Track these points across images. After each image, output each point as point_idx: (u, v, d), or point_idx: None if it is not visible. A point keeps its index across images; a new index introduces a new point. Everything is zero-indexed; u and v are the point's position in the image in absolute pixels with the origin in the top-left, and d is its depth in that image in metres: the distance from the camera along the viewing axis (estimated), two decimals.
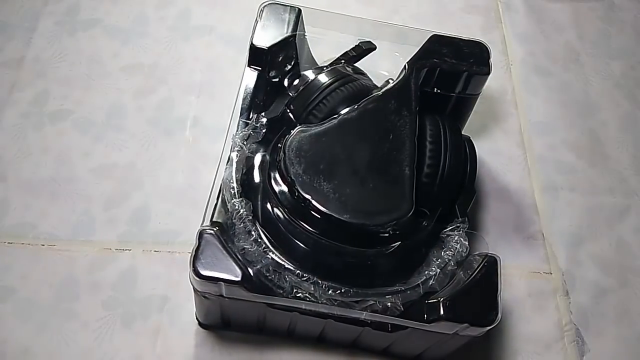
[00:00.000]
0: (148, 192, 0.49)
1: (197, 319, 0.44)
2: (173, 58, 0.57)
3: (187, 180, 0.50)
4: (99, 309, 0.44)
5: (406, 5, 0.62)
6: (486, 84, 0.45)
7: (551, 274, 0.48)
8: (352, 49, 0.44)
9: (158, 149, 0.52)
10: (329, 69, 0.43)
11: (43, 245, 0.47)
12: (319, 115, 0.41)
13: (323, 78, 0.42)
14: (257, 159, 0.41)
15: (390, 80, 0.43)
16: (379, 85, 0.43)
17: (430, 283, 0.37)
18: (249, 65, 0.44)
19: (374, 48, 0.44)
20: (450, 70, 0.42)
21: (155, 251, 0.47)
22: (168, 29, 0.59)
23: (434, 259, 0.38)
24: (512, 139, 0.55)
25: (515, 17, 0.62)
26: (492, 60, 0.43)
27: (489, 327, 0.36)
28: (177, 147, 0.52)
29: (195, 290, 0.38)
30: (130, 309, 0.44)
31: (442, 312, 0.35)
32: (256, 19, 0.45)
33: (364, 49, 0.44)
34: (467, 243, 0.39)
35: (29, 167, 0.50)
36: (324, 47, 0.47)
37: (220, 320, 0.42)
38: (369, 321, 0.38)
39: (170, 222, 0.48)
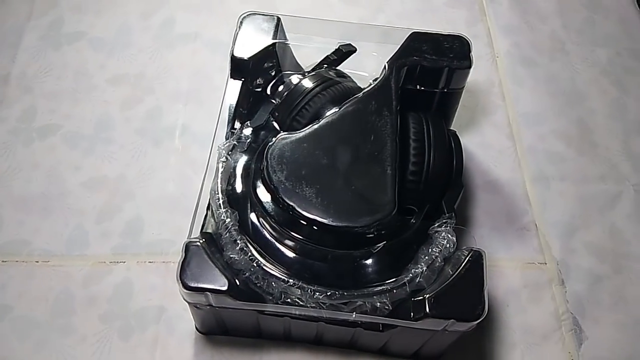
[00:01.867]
0: (140, 203, 0.49)
1: (195, 327, 0.44)
2: (159, 67, 0.57)
3: (179, 189, 0.50)
4: (96, 323, 0.44)
5: (390, 4, 0.62)
6: (472, 77, 0.45)
7: (546, 264, 0.48)
8: (333, 52, 0.45)
9: (148, 159, 0.52)
10: (310, 74, 0.43)
11: (37, 261, 0.47)
12: (302, 120, 0.41)
13: (305, 83, 0.42)
14: (243, 168, 0.41)
15: (341, 46, 0.44)
16: (362, 87, 0.43)
17: (417, 280, 0.37)
18: (231, 77, 0.44)
19: (355, 50, 0.45)
20: (431, 67, 0.42)
21: (150, 262, 0.47)
22: (152, 38, 0.59)
23: (422, 256, 0.38)
24: (501, 131, 0.55)
25: (499, 9, 0.62)
26: (473, 53, 0.43)
27: (475, 322, 0.36)
28: (167, 156, 0.52)
29: (186, 301, 0.38)
30: (128, 321, 0.44)
31: (427, 309, 0.35)
32: (236, 30, 0.45)
33: (344, 51, 0.44)
34: (454, 239, 0.39)
35: (19, 184, 0.50)
36: (309, 51, 0.47)
37: (217, 327, 0.42)
38: (360, 322, 0.38)
39: (164, 232, 0.48)
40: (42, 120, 0.54)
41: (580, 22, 0.62)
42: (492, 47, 0.60)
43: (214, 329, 0.43)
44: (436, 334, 0.38)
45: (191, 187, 0.50)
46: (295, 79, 0.43)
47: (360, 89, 0.42)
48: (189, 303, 0.38)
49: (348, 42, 0.45)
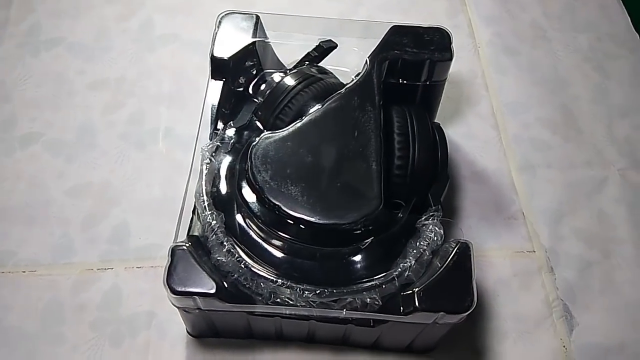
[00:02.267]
0: (125, 208, 0.49)
1: (187, 330, 0.43)
2: (139, 70, 0.56)
3: (164, 193, 0.50)
4: (86, 331, 0.44)
5: None
6: (455, 68, 0.45)
7: (534, 252, 0.48)
8: (314, 49, 0.44)
9: (132, 163, 0.51)
10: (292, 71, 0.43)
11: (24, 272, 0.46)
12: (285, 119, 0.41)
13: (287, 81, 0.42)
14: (227, 169, 0.41)
15: (321, 42, 0.44)
16: (345, 83, 0.43)
17: (406, 274, 0.37)
18: (212, 77, 0.43)
19: (335, 46, 0.44)
20: (413, 60, 0.42)
21: (138, 267, 0.46)
22: (132, 41, 0.58)
23: (410, 250, 0.38)
24: (486, 121, 0.55)
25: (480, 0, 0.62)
26: (454, 44, 0.43)
27: (465, 314, 0.36)
28: (151, 160, 0.51)
29: (175, 305, 0.38)
30: (118, 327, 0.44)
31: (417, 303, 0.35)
32: (215, 30, 0.45)
33: (325, 48, 0.44)
34: (441, 231, 0.39)
35: (2, 194, 0.50)
36: (290, 49, 0.47)
37: (208, 330, 0.42)
38: (351, 318, 0.38)
39: (151, 237, 0.48)
40: (23, 128, 0.53)
41: (561, 9, 0.62)
42: (474, 37, 0.60)
43: (205, 331, 0.42)
44: (427, 327, 0.38)
45: (177, 190, 0.49)
46: (277, 77, 0.43)
47: (343, 85, 0.42)
48: (178, 307, 0.38)
49: (328, 39, 0.45)
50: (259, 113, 0.42)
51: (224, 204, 0.40)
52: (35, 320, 0.44)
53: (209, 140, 0.42)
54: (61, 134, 0.53)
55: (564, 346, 0.45)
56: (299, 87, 0.41)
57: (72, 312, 0.45)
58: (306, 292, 0.36)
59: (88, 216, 0.49)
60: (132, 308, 0.45)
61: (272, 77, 0.43)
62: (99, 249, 0.47)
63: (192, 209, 0.40)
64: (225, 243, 0.37)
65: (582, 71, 0.58)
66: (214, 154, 0.41)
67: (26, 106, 0.54)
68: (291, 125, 0.39)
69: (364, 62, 0.42)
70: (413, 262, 0.38)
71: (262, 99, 0.42)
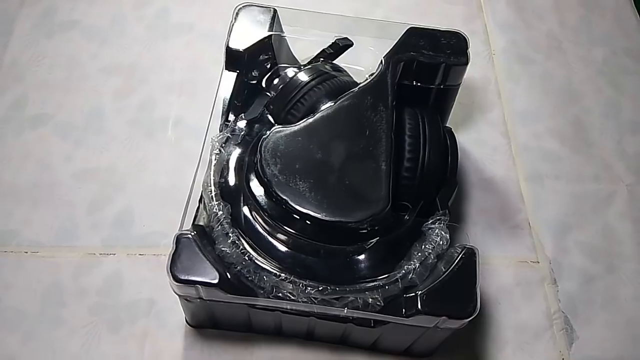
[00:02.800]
0: (131, 194, 0.49)
1: (186, 320, 0.43)
2: (153, 58, 0.56)
3: (171, 181, 0.50)
4: (85, 315, 0.44)
5: None
6: (468, 74, 0.45)
7: (538, 262, 0.48)
8: (329, 46, 0.44)
9: (140, 150, 0.51)
10: (306, 67, 0.42)
11: (26, 252, 0.46)
12: (297, 114, 0.40)
13: (301, 77, 0.42)
14: (236, 161, 0.41)
15: (337, 40, 0.44)
16: (358, 82, 0.43)
17: (410, 277, 0.37)
18: (226, 69, 0.43)
19: (351, 44, 0.44)
20: (428, 62, 0.42)
21: (140, 254, 0.46)
22: (147, 28, 0.58)
23: (415, 253, 0.38)
24: (497, 129, 0.55)
25: (497, 6, 0.62)
26: (470, 49, 0.43)
27: (467, 320, 0.36)
28: (160, 148, 0.51)
29: (176, 293, 0.38)
30: (117, 313, 0.44)
31: (419, 306, 0.35)
32: (231, 22, 0.44)
33: (341, 45, 0.44)
34: (447, 236, 0.39)
35: (9, 174, 0.50)
36: (305, 44, 0.47)
37: (207, 321, 0.42)
38: (351, 317, 0.38)
39: (155, 225, 0.48)
40: (34, 109, 0.53)
41: (577, 20, 0.62)
42: (489, 44, 0.59)
43: (205, 322, 0.42)
44: (428, 331, 0.38)
45: (184, 179, 0.49)
46: (290, 72, 0.43)
47: (357, 84, 0.42)
48: (179, 296, 0.38)
49: (344, 36, 0.44)
50: (271, 107, 0.42)
51: (231, 196, 0.39)
52: (34, 302, 0.44)
53: (219, 132, 0.42)
54: (71, 117, 0.53)
55: (562, 359, 0.44)
56: (312, 83, 0.41)
57: (71, 296, 0.45)
58: (308, 288, 0.36)
59: (93, 200, 0.49)
60: (132, 295, 0.45)
61: (285, 72, 0.43)
62: (103, 234, 0.47)
63: (198, 199, 0.40)
64: (230, 234, 0.37)
65: (596, 84, 0.58)
66: (223, 145, 0.41)
67: (38, 87, 0.54)
68: (303, 121, 0.39)
69: (379, 62, 0.42)
70: (417, 264, 0.37)
71: (274, 93, 0.42)
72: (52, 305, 0.44)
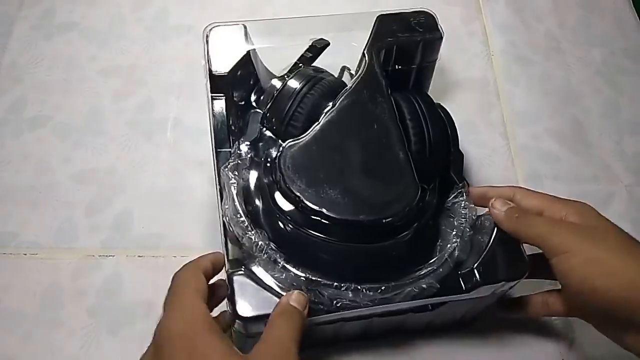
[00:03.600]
0: (130, 196, 0.49)
1: None
2: (152, 59, 0.56)
3: (170, 183, 0.50)
4: (84, 317, 0.44)
5: None
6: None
7: None
8: (307, 50, 0.44)
9: (139, 152, 0.51)
10: (292, 75, 0.42)
11: (25, 254, 0.46)
12: (297, 124, 0.40)
13: (291, 85, 0.41)
14: (255, 185, 0.40)
15: (345, 67, 0.44)
16: (342, 78, 0.43)
17: (457, 254, 0.38)
18: (211, 92, 0.42)
19: (328, 44, 0.44)
20: (407, 44, 0.43)
21: (139, 256, 0.46)
22: (146, 29, 0.58)
23: (449, 230, 0.39)
24: (496, 130, 0.55)
25: (495, 7, 0.62)
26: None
27: (523, 278, 0.37)
28: (159, 150, 0.51)
29: (243, 335, 0.37)
30: (116, 315, 0.44)
31: (478, 277, 0.36)
32: (205, 46, 0.43)
33: (319, 47, 0.43)
34: (473, 205, 0.39)
35: (8, 175, 0.50)
36: (279, 55, 0.45)
37: None
38: (412, 307, 0.38)
39: (154, 227, 0.48)
40: (32, 111, 0.53)
41: (576, 21, 0.62)
42: (488, 45, 0.59)
43: None
44: (482, 300, 0.39)
45: (182, 181, 0.50)
46: (277, 82, 0.42)
47: (343, 81, 0.42)
48: (242, 334, 0.37)
49: (320, 37, 0.44)
50: (269, 122, 0.41)
51: (260, 221, 0.39)
52: (33, 304, 0.44)
53: (226, 160, 0.40)
54: (70, 119, 0.53)
55: (562, 359, 0.44)
56: (305, 89, 0.40)
57: (70, 298, 0.45)
58: (369, 291, 0.36)
59: (92, 202, 0.49)
60: (131, 297, 0.45)
61: (272, 84, 0.42)
62: (102, 236, 0.47)
63: (222, 234, 0.39)
64: (278, 260, 0.36)
65: (594, 85, 0.58)
66: (236, 173, 0.39)
67: (37, 89, 0.54)
68: (311, 130, 0.39)
69: (361, 55, 0.42)
70: (457, 240, 0.38)
71: (267, 108, 0.41)
72: (51, 307, 0.44)
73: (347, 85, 0.41)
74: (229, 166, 0.39)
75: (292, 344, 0.32)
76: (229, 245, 0.38)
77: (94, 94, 0.54)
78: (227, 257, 0.37)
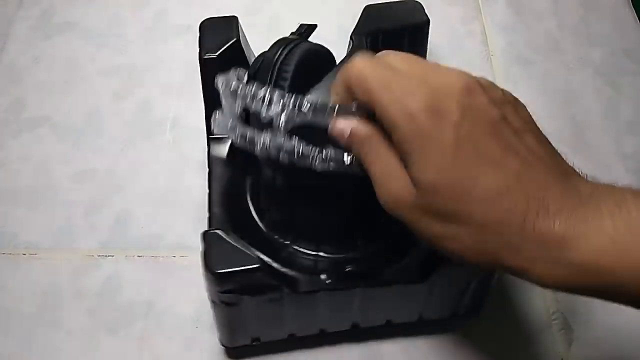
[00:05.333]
0: (129, 196, 0.49)
1: (222, 343, 0.42)
2: (151, 59, 0.56)
3: (169, 183, 0.50)
4: (83, 317, 0.44)
5: None
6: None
7: None
8: (294, 32, 0.41)
9: (138, 152, 0.51)
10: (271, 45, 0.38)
11: (24, 254, 0.46)
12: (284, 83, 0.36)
13: (271, 52, 0.37)
14: None
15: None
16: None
17: None
18: (202, 80, 0.43)
19: (315, 26, 0.42)
20: (392, 29, 0.44)
21: (139, 256, 0.46)
22: (145, 29, 0.58)
23: None
24: None
25: (495, 7, 0.62)
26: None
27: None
28: (158, 150, 0.51)
29: (215, 302, 0.36)
30: (116, 316, 0.44)
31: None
32: (199, 39, 0.44)
33: (305, 28, 0.41)
34: None
35: (7, 176, 0.50)
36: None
37: (246, 335, 0.40)
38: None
39: (153, 227, 0.48)
40: (31, 111, 0.53)
41: (576, 21, 0.62)
42: (487, 45, 0.59)
43: (244, 338, 0.40)
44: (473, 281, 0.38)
45: (182, 181, 0.50)
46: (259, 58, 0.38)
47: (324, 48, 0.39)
48: (217, 304, 0.36)
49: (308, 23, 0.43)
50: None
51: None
52: (32, 304, 0.44)
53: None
54: (69, 119, 0.53)
55: (562, 359, 0.44)
56: (285, 51, 0.36)
57: (70, 298, 0.45)
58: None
59: (91, 202, 0.49)
60: (130, 297, 0.45)
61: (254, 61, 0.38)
62: (101, 236, 0.47)
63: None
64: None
65: (594, 85, 0.58)
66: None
67: (36, 89, 0.54)
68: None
69: (349, 40, 0.42)
70: None
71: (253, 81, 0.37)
72: (51, 308, 0.44)
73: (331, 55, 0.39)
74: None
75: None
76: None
77: (93, 94, 0.54)
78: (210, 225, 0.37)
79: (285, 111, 0.30)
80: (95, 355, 0.42)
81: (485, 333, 0.45)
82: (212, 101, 0.41)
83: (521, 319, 0.46)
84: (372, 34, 0.43)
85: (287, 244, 0.39)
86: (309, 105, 0.30)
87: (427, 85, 0.27)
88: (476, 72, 0.56)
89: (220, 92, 0.34)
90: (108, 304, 0.44)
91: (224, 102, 0.34)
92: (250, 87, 0.32)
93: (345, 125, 0.29)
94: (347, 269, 0.37)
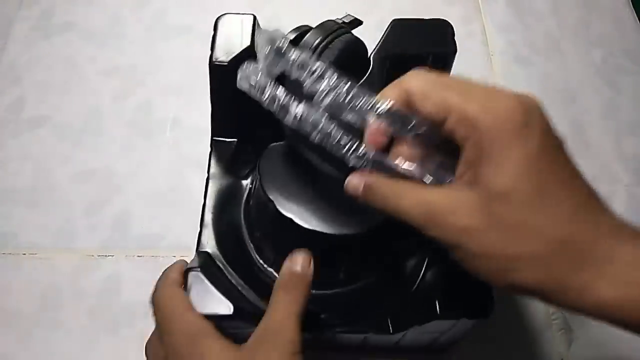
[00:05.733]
0: (129, 196, 0.49)
1: None
2: (151, 59, 0.56)
3: (169, 183, 0.50)
4: (83, 317, 0.44)
5: None
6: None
7: None
8: (343, 18, 0.40)
9: (138, 152, 0.51)
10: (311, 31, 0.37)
11: (24, 254, 0.46)
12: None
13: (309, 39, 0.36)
14: None
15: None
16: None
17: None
18: (210, 84, 0.40)
19: (361, 22, 0.41)
20: (416, 55, 0.41)
21: (139, 256, 0.46)
22: (145, 29, 0.58)
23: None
24: None
25: (495, 8, 0.62)
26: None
27: (486, 318, 0.36)
28: (158, 150, 0.51)
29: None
30: (115, 315, 0.44)
31: (438, 310, 0.35)
32: (212, 37, 0.41)
33: (353, 19, 0.40)
34: None
35: (7, 176, 0.50)
36: None
37: None
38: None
39: (153, 226, 0.48)
40: (31, 111, 0.53)
41: (575, 22, 0.62)
42: (487, 45, 0.59)
43: None
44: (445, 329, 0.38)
45: (181, 181, 0.50)
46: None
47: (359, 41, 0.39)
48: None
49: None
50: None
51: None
52: (32, 304, 0.44)
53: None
54: (69, 119, 0.53)
55: (561, 359, 0.44)
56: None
57: (70, 298, 0.45)
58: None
59: (91, 202, 0.49)
60: (130, 297, 0.45)
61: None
62: (101, 236, 0.47)
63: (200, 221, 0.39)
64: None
65: (594, 85, 0.58)
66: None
67: (35, 89, 0.54)
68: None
69: (369, 58, 0.40)
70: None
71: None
72: (51, 307, 0.44)
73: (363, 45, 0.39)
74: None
75: (292, 321, 0.31)
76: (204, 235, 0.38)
77: (93, 94, 0.54)
78: (198, 244, 0.37)
79: (335, 91, 0.29)
80: (95, 355, 0.43)
81: (485, 333, 0.45)
82: (219, 105, 0.41)
83: (521, 320, 0.46)
84: (395, 57, 0.41)
85: (267, 269, 0.38)
86: (364, 98, 0.29)
87: (507, 94, 0.27)
88: (476, 72, 0.57)
89: (260, 46, 0.33)
90: (108, 304, 0.44)
91: (261, 57, 0.32)
92: (302, 54, 0.30)
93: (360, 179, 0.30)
94: (322, 317, 0.37)
